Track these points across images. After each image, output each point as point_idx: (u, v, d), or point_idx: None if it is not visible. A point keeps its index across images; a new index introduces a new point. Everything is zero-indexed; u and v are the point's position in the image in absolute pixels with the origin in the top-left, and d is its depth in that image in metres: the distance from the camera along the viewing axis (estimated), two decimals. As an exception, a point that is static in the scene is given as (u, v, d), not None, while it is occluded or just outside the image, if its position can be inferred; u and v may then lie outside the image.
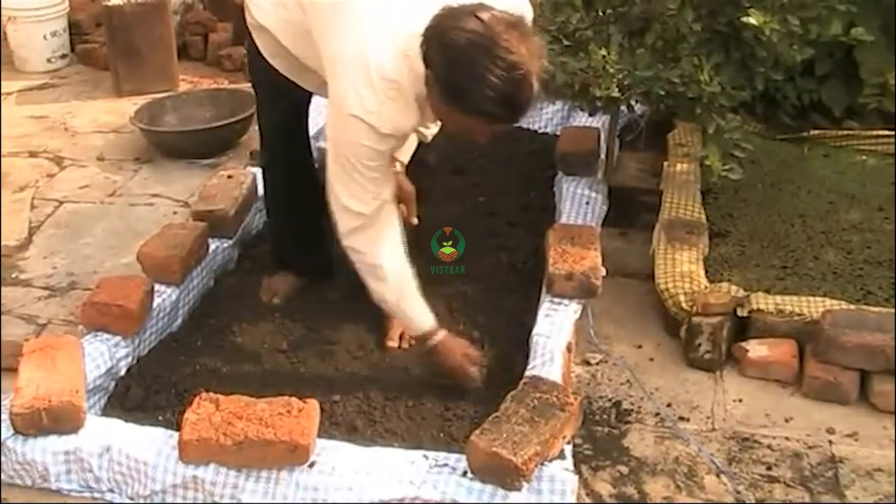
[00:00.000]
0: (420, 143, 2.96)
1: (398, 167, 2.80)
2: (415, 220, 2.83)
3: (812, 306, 2.91)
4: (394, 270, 2.70)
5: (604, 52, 3.13)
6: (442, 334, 2.78)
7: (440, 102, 2.39)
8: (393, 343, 2.98)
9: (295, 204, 3.16)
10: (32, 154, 4.54)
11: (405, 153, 2.84)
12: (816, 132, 4.06)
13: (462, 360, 2.78)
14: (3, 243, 3.71)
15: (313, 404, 2.44)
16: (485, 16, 2.26)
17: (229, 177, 3.55)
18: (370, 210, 2.61)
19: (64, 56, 5.67)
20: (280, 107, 2.98)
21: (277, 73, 2.86)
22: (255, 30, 2.86)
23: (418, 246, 3.14)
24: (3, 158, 4.43)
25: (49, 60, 5.59)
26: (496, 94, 2.26)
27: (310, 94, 2.98)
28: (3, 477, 2.51)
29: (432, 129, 2.80)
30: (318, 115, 3.19)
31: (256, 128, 3.26)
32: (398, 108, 2.46)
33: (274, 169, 3.18)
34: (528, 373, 2.63)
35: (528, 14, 2.62)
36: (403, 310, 2.78)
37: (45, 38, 5.54)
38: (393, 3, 2.46)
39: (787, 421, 2.76)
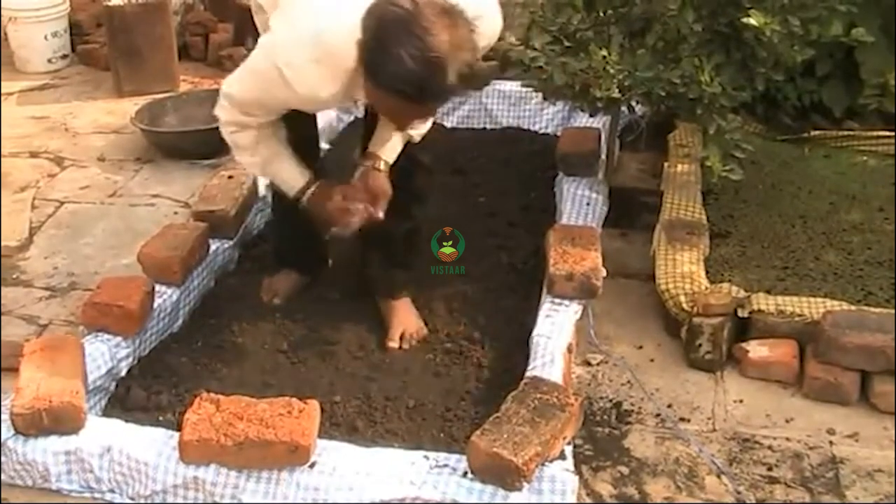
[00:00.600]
0: (412, 143, 2.94)
1: (381, 166, 2.80)
2: (380, 215, 2.81)
3: (813, 307, 2.91)
4: (264, 153, 2.78)
5: (604, 52, 3.12)
6: (312, 191, 2.80)
7: (362, 76, 2.40)
8: (394, 344, 2.98)
9: (294, 203, 3.17)
10: (33, 154, 4.54)
11: (389, 152, 2.82)
12: (817, 133, 4.06)
13: (339, 202, 2.77)
14: (3, 244, 3.71)
15: (314, 405, 2.44)
16: None
17: (230, 177, 3.55)
18: (255, 124, 2.71)
19: (65, 56, 5.67)
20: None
21: None
22: (255, 14, 2.87)
23: (418, 247, 3.15)
24: (3, 159, 4.44)
25: (50, 61, 5.59)
26: (405, 73, 2.26)
27: None
28: (3, 477, 2.52)
29: (420, 129, 2.79)
30: (324, 113, 3.19)
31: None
32: (321, 73, 2.47)
33: None
34: (528, 373, 2.63)
35: (491, 20, 2.58)
36: (272, 173, 2.85)
37: (45, 38, 5.54)
38: None
39: (787, 421, 2.76)
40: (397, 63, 2.26)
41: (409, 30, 2.24)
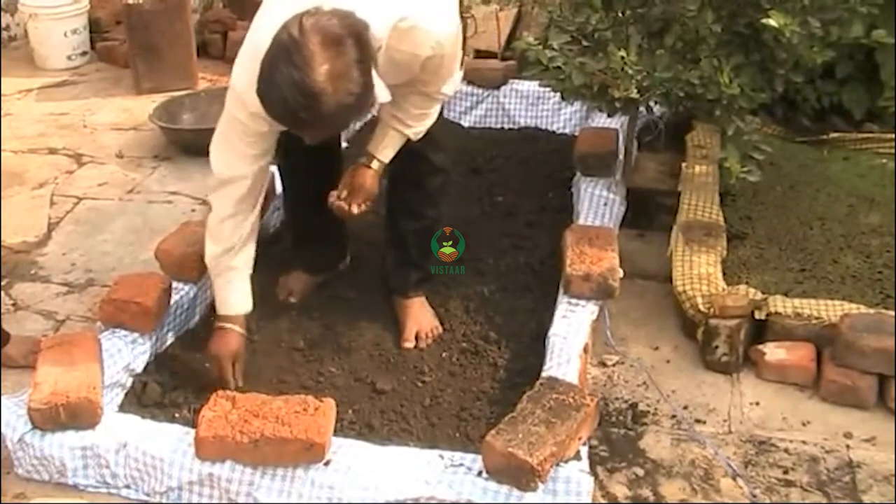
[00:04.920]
0: (427, 144, 2.94)
1: (374, 165, 2.78)
2: (354, 210, 2.78)
3: (830, 310, 2.90)
4: (225, 244, 2.79)
5: (623, 53, 3.12)
6: (227, 329, 2.80)
7: None
8: (409, 343, 2.99)
9: (311, 202, 3.18)
10: (52, 151, 4.56)
11: (384, 151, 2.80)
12: (836, 135, 4.04)
13: (222, 348, 2.79)
14: (21, 240, 3.75)
15: (329, 403, 2.44)
16: (308, 22, 2.25)
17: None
18: (231, 174, 2.74)
19: (84, 53, 5.69)
20: None
21: None
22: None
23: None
24: (22, 155, 4.46)
25: (69, 58, 5.61)
26: (280, 102, 2.28)
27: None
28: (20, 471, 2.53)
29: (417, 128, 2.79)
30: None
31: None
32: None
33: (291, 170, 3.20)
34: (544, 373, 2.63)
35: (426, 31, 2.54)
36: (216, 286, 2.86)
37: (65, 35, 5.56)
38: None
39: (804, 425, 2.75)
40: (275, 91, 2.28)
41: (289, 59, 2.24)
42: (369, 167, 2.79)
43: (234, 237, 2.79)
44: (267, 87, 2.30)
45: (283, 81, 2.25)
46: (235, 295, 2.84)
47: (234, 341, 2.80)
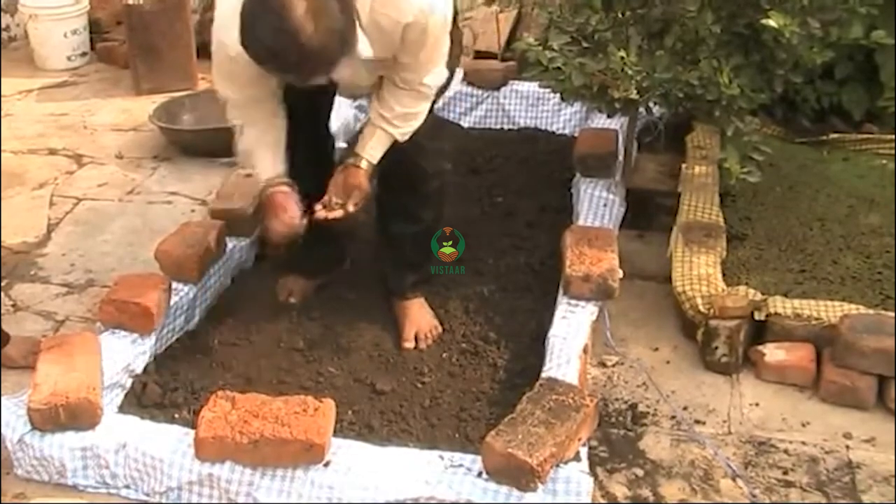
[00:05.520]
0: (424, 146, 2.95)
1: (363, 164, 2.79)
2: (351, 209, 2.79)
3: (830, 310, 2.90)
4: (247, 138, 2.84)
5: (623, 53, 3.12)
6: (275, 190, 2.81)
7: None
8: (409, 344, 2.99)
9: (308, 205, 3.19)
10: (52, 152, 4.56)
11: (371, 152, 2.80)
12: (836, 135, 4.04)
13: (272, 219, 2.80)
14: (21, 240, 3.75)
15: (329, 403, 2.44)
16: None
17: (247, 175, 3.54)
18: (238, 98, 2.79)
19: (84, 54, 5.69)
20: (300, 107, 2.99)
21: None
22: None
23: (430, 248, 3.15)
24: (22, 156, 4.47)
25: (69, 58, 5.61)
26: (255, 38, 2.33)
27: (332, 95, 3.02)
28: (20, 472, 2.53)
29: (403, 128, 2.78)
30: (340, 112, 3.19)
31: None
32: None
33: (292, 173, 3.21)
34: (544, 374, 2.63)
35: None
36: (251, 164, 2.88)
37: (65, 36, 5.57)
38: None
39: (803, 425, 2.75)
40: (257, 34, 2.33)
41: (266, 3, 2.30)
42: (359, 167, 2.79)
43: (249, 130, 2.84)
44: (249, 33, 2.34)
45: (263, 24, 2.30)
46: (266, 162, 2.84)
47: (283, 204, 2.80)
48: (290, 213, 2.79)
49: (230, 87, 2.78)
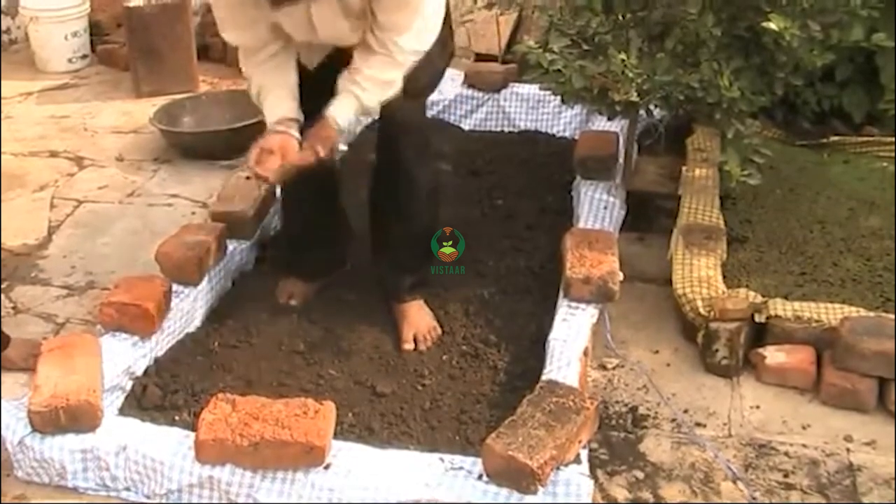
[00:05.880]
0: (422, 147, 2.96)
1: (332, 124, 2.74)
2: (320, 153, 2.74)
3: (830, 313, 2.89)
4: (257, 82, 2.83)
5: (623, 56, 3.12)
6: (274, 131, 2.77)
7: None
8: (409, 345, 2.99)
9: (309, 208, 3.20)
10: (52, 154, 4.56)
11: (339, 114, 2.74)
12: (836, 138, 4.04)
13: (257, 150, 2.75)
14: (22, 242, 3.75)
15: (329, 406, 2.44)
16: None
17: (248, 178, 3.55)
18: (243, 41, 2.80)
19: (84, 56, 5.69)
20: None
21: None
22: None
23: (427, 250, 3.15)
24: (23, 158, 4.48)
25: (70, 61, 5.61)
26: None
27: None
28: (20, 474, 2.53)
29: (372, 96, 2.74)
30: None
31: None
32: None
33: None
34: (544, 377, 2.63)
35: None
36: (262, 104, 2.85)
37: (65, 38, 5.57)
38: None
39: (804, 428, 2.75)
40: None
41: None
42: (329, 124, 2.74)
43: (258, 77, 2.84)
44: None
45: None
46: (275, 105, 2.82)
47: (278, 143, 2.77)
48: (271, 163, 2.75)
49: (232, 29, 2.79)
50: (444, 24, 2.82)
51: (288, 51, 2.83)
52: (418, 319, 3.05)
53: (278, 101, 2.81)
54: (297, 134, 2.77)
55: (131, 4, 5.16)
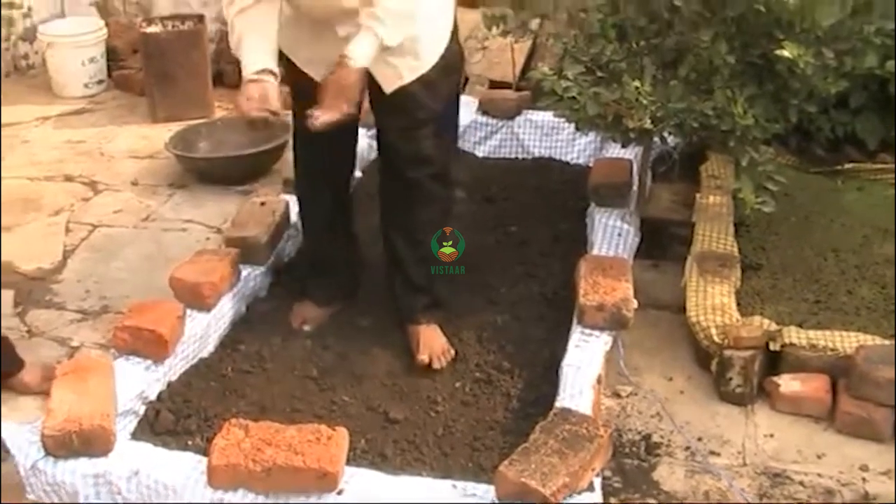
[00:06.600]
0: (436, 174, 2.98)
1: (352, 63, 2.67)
2: (345, 109, 2.70)
3: (845, 341, 2.88)
4: (237, 28, 2.78)
5: (637, 83, 3.12)
6: (250, 80, 2.75)
7: None
8: (423, 357, 2.99)
9: (326, 232, 3.21)
10: (68, 178, 4.59)
11: (359, 51, 2.68)
12: (850, 165, 4.04)
13: (242, 100, 2.76)
14: (37, 266, 3.77)
15: (342, 432, 2.44)
16: None
17: (262, 204, 3.57)
18: None
19: (101, 82, 5.73)
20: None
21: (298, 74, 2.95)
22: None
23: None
24: (38, 182, 4.52)
25: (86, 86, 5.65)
26: None
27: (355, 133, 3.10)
28: (32, 497, 2.53)
29: (390, 29, 2.68)
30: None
31: (290, 155, 3.27)
32: None
33: (308, 199, 3.23)
34: (557, 404, 2.62)
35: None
36: (240, 53, 2.81)
37: (82, 63, 5.61)
38: None
39: (819, 457, 2.73)
40: None
41: None
42: (348, 65, 2.68)
43: (238, 22, 2.79)
44: None
45: None
46: (253, 54, 2.78)
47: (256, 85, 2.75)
48: (259, 103, 2.75)
49: None
50: (448, 45, 2.83)
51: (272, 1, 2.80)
52: (432, 341, 3.05)
53: (257, 52, 2.78)
54: (275, 82, 2.76)
55: (148, 30, 5.20)
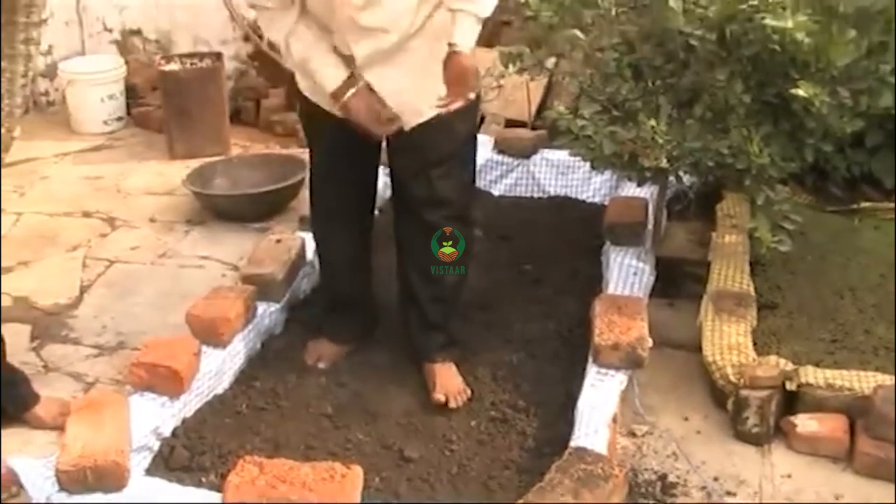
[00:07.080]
0: (432, 206, 2.99)
1: (460, 50, 2.69)
2: (471, 96, 2.77)
3: (863, 381, 2.87)
4: (297, 49, 2.80)
5: (653, 122, 3.13)
6: (353, 92, 2.77)
7: None
8: (440, 396, 2.98)
9: (344, 271, 3.23)
10: (86, 214, 4.61)
11: (462, 38, 2.70)
12: (867, 204, 4.03)
13: (367, 116, 2.77)
14: (53, 301, 3.79)
15: (356, 470, 2.43)
16: None
17: (278, 241, 3.58)
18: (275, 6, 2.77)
19: (120, 119, 5.77)
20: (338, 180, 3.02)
21: (322, 117, 2.94)
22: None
23: (456, 311, 3.16)
24: (56, 218, 4.55)
25: (105, 122, 5.69)
26: None
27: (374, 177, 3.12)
28: (46, 533, 2.53)
29: (482, 2, 2.72)
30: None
31: (307, 193, 3.28)
32: None
33: (327, 238, 3.24)
34: (573, 443, 2.61)
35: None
36: (311, 70, 2.82)
37: (101, 100, 5.65)
38: None
39: (837, 498, 2.71)
40: None
41: None
42: (458, 53, 2.70)
43: (295, 43, 2.81)
44: None
45: None
46: (331, 68, 2.80)
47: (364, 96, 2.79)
48: (378, 113, 2.79)
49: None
50: None
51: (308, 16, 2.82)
52: (448, 380, 3.04)
53: (328, 66, 2.80)
54: (363, 85, 2.80)
55: (167, 68, 5.25)
